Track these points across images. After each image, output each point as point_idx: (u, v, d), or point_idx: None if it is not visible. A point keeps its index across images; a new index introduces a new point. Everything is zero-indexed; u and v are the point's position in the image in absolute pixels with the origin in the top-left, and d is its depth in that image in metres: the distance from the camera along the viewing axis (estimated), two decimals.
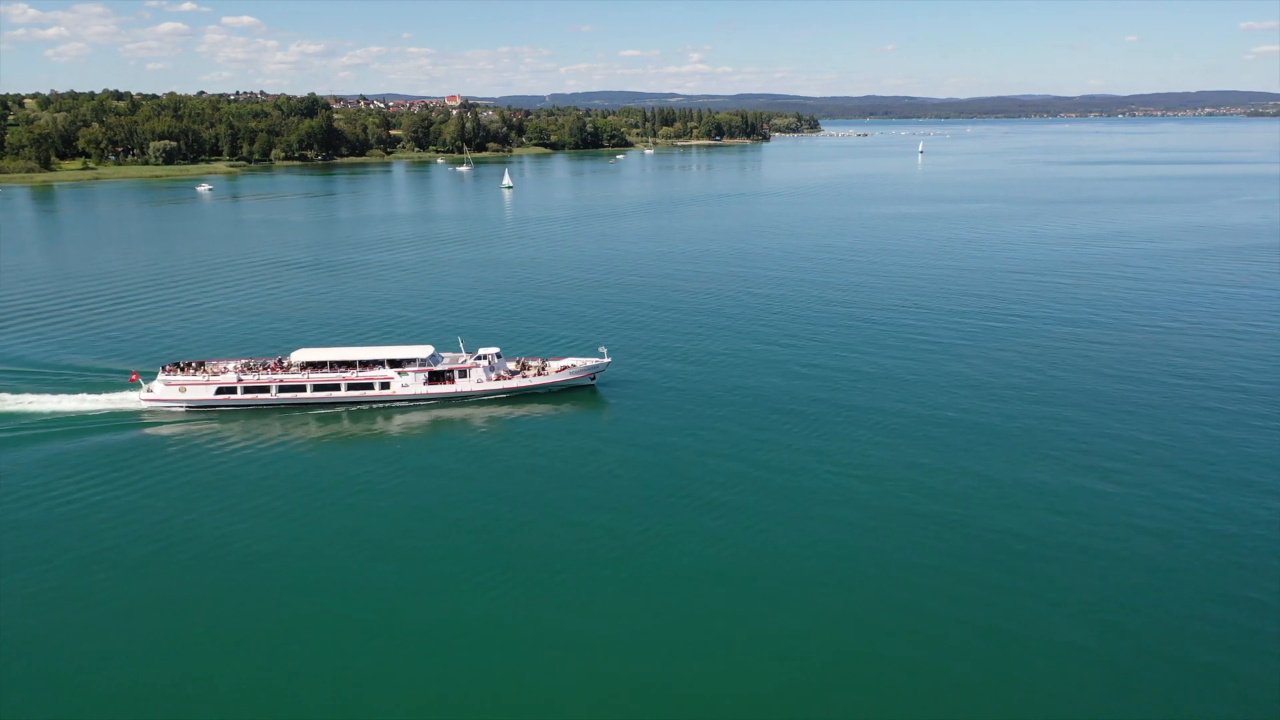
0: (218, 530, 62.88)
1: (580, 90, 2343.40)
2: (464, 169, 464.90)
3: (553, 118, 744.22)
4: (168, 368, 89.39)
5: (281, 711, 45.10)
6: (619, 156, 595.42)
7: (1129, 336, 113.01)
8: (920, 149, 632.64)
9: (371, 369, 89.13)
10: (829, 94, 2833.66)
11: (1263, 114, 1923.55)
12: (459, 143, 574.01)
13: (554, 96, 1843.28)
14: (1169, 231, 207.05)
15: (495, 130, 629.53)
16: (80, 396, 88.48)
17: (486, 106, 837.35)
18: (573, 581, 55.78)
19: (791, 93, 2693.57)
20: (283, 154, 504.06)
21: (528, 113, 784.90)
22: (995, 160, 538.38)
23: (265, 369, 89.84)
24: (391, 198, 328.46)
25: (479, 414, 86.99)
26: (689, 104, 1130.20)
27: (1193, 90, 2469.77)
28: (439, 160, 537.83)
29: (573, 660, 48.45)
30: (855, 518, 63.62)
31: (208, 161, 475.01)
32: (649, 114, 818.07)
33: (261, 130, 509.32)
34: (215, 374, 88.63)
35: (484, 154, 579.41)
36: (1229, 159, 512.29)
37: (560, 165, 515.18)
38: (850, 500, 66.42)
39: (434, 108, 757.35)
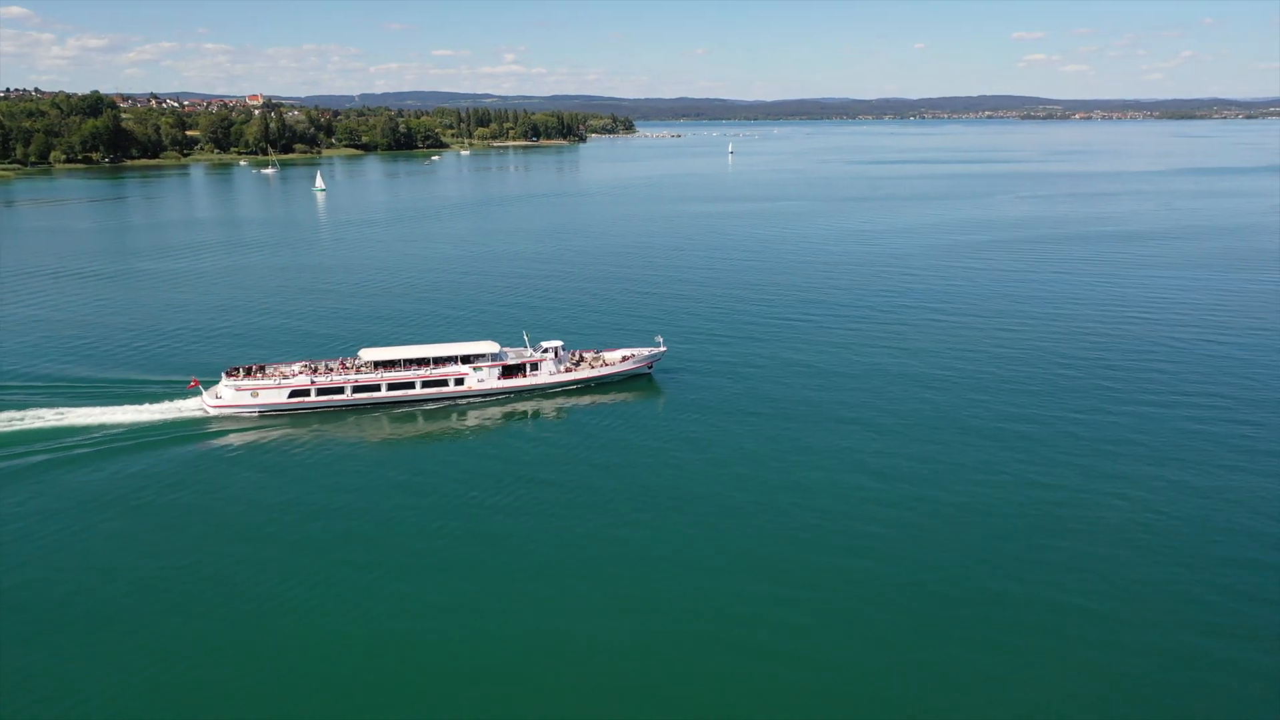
0: (331, 534, 61.83)
1: (392, 90, 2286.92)
2: (270, 171, 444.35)
3: (363, 118, 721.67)
4: (231, 372, 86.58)
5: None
6: (435, 158, 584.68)
7: (925, 322, 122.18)
8: (731, 149, 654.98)
9: (445, 365, 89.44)
10: (643, 95, 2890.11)
11: (1034, 117, 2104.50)
12: (263, 144, 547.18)
13: (364, 96, 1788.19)
14: (960, 225, 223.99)
15: (302, 131, 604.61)
16: (139, 407, 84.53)
17: (292, 106, 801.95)
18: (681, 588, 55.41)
19: (606, 94, 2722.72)
20: (64, 156, 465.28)
21: (336, 113, 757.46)
22: (801, 160, 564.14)
23: (329, 370, 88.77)
24: (191, 202, 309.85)
25: (549, 406, 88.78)
26: (504, 105, 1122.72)
27: (974, 95, 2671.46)
28: (242, 163, 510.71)
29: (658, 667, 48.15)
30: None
31: None
32: (464, 115, 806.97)
33: (38, 130, 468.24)
34: (285, 377, 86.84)
35: (291, 155, 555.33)
36: (1007, 158, 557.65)
37: (374, 167, 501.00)
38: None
39: (234, 107, 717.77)
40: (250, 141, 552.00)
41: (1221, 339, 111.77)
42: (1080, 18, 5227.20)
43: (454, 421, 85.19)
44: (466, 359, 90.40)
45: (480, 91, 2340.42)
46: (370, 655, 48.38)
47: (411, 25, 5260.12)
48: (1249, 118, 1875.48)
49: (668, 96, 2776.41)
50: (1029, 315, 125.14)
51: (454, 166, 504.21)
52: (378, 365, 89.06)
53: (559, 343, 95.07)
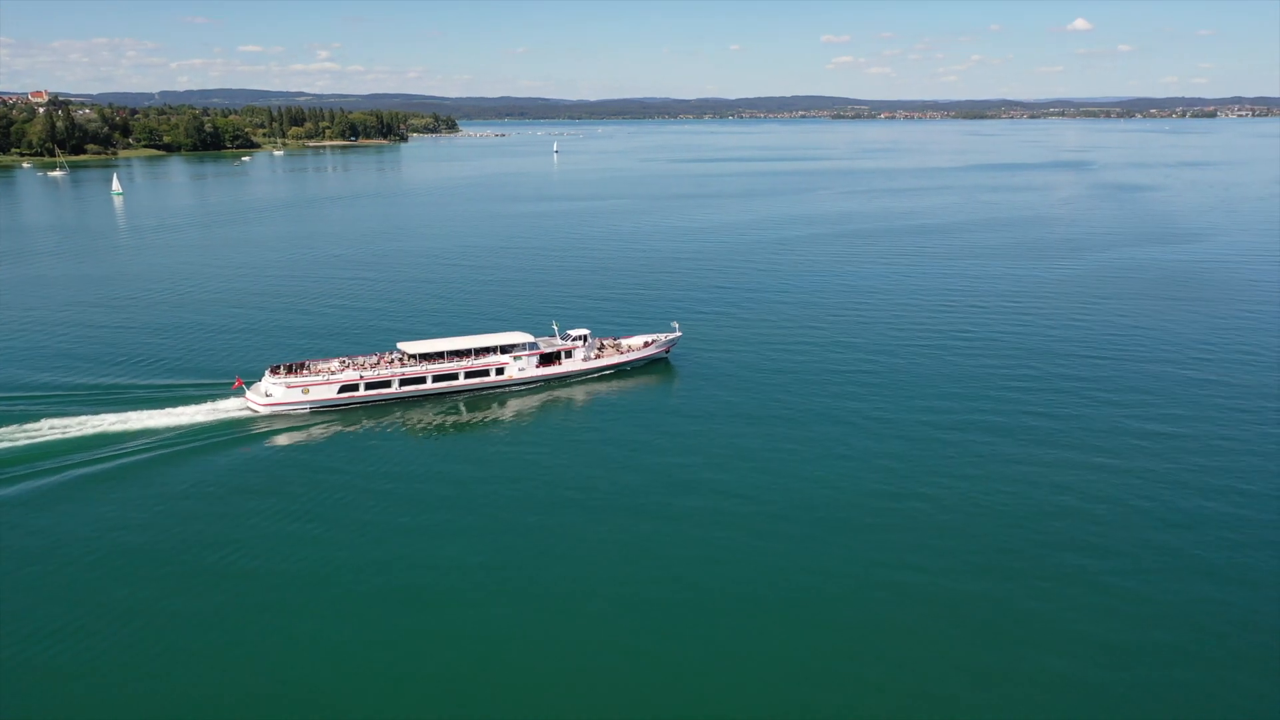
0: (431, 527, 62.67)
1: (196, 88, 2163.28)
2: (58, 174, 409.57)
3: (164, 117, 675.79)
4: (274, 370, 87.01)
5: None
6: (245, 158, 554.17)
7: (775, 311, 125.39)
8: (556, 149, 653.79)
9: (486, 356, 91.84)
10: (465, 94, 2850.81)
11: (844, 116, 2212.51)
12: (49, 144, 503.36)
13: (164, 94, 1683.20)
14: (786, 220, 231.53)
15: (95, 130, 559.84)
16: (183, 410, 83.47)
17: (83, 104, 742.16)
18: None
19: (427, 93, 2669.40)
20: None
21: (134, 111, 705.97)
22: (626, 159, 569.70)
23: (369, 366, 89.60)
24: None
25: (580, 392, 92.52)
26: (320, 103, 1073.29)
27: (788, 95, 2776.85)
28: (25, 165, 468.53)
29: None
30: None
31: None
32: (276, 113, 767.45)
33: None
34: (332, 373, 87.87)
35: (83, 157, 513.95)
36: (823, 156, 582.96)
37: (178, 169, 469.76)
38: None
39: (15, 104, 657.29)
40: (34, 142, 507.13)
41: (1024, 323, 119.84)
42: (883, 22, 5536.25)
43: (497, 410, 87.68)
44: (505, 349, 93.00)
45: (293, 89, 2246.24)
46: (453, 649, 49.09)
47: (215, 19, 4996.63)
48: (1032, 117, 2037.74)
49: (491, 96, 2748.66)
50: (850, 303, 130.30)
51: (268, 167, 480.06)
52: (421, 358, 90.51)
53: (586, 330, 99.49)
